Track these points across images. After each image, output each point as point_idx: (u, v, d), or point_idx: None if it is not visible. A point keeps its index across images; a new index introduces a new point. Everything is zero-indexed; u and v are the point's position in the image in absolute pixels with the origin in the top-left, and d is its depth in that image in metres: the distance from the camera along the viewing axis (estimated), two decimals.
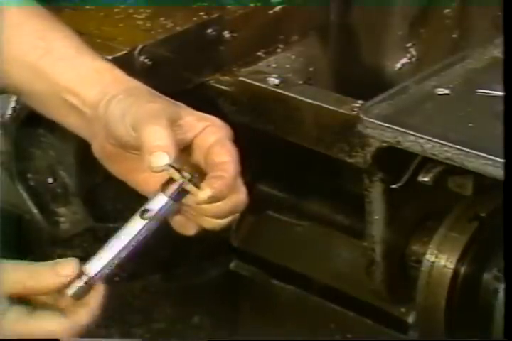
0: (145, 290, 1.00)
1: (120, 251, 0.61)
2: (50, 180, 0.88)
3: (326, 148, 0.82)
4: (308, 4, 0.94)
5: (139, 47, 0.80)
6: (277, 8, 0.91)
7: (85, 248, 0.91)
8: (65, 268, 0.60)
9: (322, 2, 0.97)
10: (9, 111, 0.82)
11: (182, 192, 0.62)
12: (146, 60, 0.81)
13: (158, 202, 0.62)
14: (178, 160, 0.61)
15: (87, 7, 0.85)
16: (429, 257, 0.79)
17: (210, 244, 1.03)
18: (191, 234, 0.65)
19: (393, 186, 0.78)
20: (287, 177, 1.02)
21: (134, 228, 0.61)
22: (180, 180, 0.61)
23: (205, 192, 0.61)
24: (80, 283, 0.60)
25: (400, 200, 0.80)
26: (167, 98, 0.66)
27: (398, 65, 1.00)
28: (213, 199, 0.61)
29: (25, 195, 0.85)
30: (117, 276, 0.96)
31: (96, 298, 0.61)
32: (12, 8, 0.67)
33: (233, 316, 1.07)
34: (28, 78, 0.66)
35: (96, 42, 0.79)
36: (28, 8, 0.68)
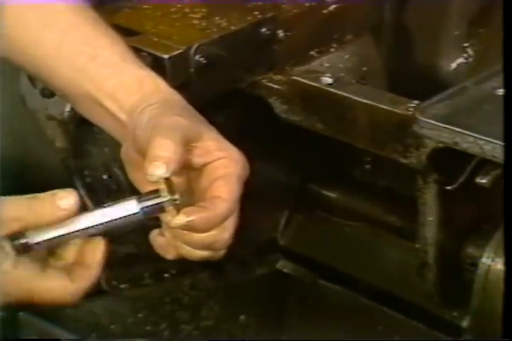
0: (194, 287, 1.00)
1: (69, 233, 0.60)
2: (105, 177, 0.89)
3: (379, 149, 0.81)
4: (363, 3, 0.93)
5: (195, 46, 0.80)
6: (332, 7, 0.90)
7: (138, 244, 0.91)
8: (65, 201, 0.59)
9: (377, 1, 0.96)
10: (67, 109, 0.83)
11: (159, 209, 0.60)
12: (202, 59, 0.81)
13: (127, 209, 0.60)
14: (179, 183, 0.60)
15: (145, 6, 0.86)
16: (486, 260, 0.78)
17: (258, 242, 1.03)
18: (170, 258, 0.64)
19: (448, 187, 0.77)
20: (337, 177, 1.01)
21: (93, 220, 0.60)
22: (165, 198, 0.59)
23: (179, 219, 0.59)
24: (21, 241, 0.60)
25: (455, 202, 0.79)
26: (202, 118, 0.65)
27: (454, 65, 0.99)
28: (187, 228, 0.60)
29: (82, 191, 0.86)
30: (167, 273, 0.97)
31: (97, 260, 0.61)
32: (64, 13, 0.69)
33: (279, 315, 1.06)
34: (73, 81, 0.68)
35: (153, 40, 0.80)
36: (79, 12, 0.70)
